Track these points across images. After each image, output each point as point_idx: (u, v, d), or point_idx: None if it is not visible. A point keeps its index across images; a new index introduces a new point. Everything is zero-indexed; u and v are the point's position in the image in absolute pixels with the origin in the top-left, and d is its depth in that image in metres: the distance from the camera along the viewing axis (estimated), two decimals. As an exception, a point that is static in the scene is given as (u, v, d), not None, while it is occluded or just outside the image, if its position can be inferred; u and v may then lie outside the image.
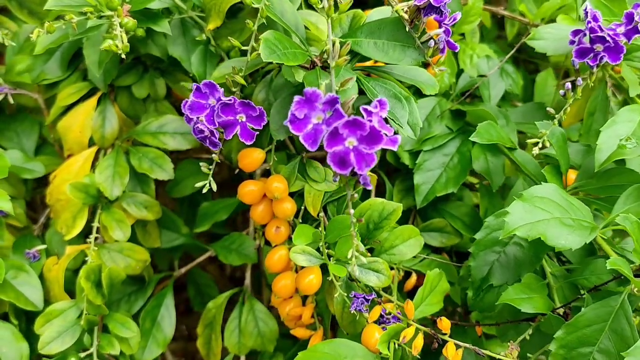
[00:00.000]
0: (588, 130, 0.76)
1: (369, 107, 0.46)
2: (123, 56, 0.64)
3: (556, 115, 0.65)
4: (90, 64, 0.77)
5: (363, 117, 0.46)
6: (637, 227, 0.56)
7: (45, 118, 0.92)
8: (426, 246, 0.79)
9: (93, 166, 0.84)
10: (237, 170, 0.78)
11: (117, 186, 0.79)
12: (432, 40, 0.58)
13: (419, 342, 0.61)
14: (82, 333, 0.78)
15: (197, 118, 0.60)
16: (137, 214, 0.82)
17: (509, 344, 0.61)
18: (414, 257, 0.76)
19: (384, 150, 0.84)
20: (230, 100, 0.59)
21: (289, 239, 0.73)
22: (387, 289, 0.72)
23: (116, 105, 0.86)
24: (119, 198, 0.82)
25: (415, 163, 0.77)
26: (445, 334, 0.61)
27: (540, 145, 0.64)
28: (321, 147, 0.47)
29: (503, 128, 0.73)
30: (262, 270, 0.97)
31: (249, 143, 0.61)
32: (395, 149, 0.47)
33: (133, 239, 0.84)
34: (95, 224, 0.79)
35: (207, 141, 0.61)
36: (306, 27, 0.67)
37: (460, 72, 0.86)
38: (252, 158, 0.70)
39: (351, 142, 0.46)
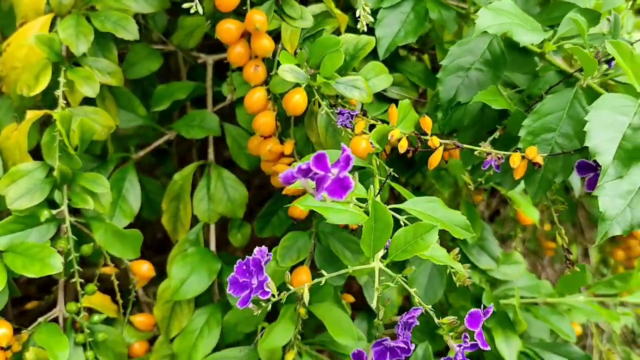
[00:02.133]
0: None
1: None
2: None
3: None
4: None
5: None
6: (580, 24, 0.65)
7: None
8: (388, 100, 0.85)
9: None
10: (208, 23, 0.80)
11: (83, 43, 0.78)
12: None
13: (404, 142, 0.66)
14: (52, 190, 0.76)
15: None
16: (101, 79, 0.81)
17: (481, 144, 0.68)
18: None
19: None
20: None
21: (266, 81, 0.76)
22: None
23: (70, -26, 0.84)
24: (81, 63, 0.81)
25: (376, 19, 0.83)
26: (427, 134, 0.67)
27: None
28: None
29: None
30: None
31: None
32: None
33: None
34: (62, 79, 0.77)
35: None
36: None
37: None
38: (228, -3, 0.72)
39: None
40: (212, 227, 0.89)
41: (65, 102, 0.78)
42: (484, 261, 0.96)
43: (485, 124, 0.74)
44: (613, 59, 0.67)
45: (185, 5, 0.66)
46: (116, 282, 0.82)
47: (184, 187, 0.88)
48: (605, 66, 0.68)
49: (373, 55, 0.82)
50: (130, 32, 0.81)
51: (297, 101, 0.68)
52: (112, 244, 0.77)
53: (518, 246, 1.01)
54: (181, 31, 0.99)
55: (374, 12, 0.84)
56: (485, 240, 0.97)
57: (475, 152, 0.67)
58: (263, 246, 0.56)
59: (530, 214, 0.96)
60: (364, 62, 0.82)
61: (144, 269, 0.84)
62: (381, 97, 0.84)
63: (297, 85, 0.71)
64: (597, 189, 0.56)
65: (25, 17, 0.83)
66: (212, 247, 0.88)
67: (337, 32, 0.77)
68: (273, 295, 0.56)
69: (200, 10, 0.67)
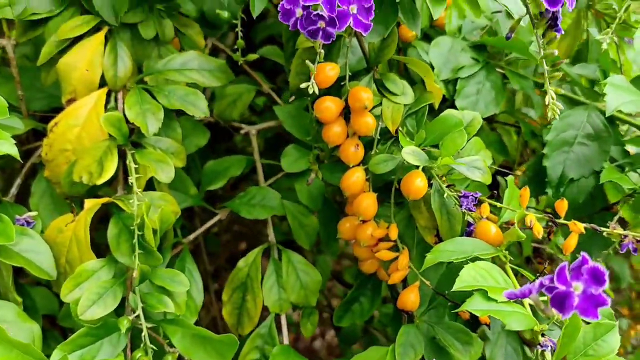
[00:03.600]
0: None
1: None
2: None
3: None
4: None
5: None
6: None
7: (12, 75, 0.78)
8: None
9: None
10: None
11: (153, 122, 0.69)
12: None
13: (538, 226, 0.62)
14: (124, 293, 0.65)
15: (310, 7, 0.56)
16: (164, 160, 0.72)
17: (608, 223, 0.64)
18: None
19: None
20: (350, -15, 0.56)
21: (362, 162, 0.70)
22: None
23: (124, 44, 0.76)
24: (143, 143, 0.72)
25: (456, 89, 0.79)
26: (559, 217, 0.63)
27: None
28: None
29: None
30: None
31: (365, 34, 0.59)
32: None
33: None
34: (132, 164, 0.68)
35: (321, 34, 0.57)
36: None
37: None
38: (325, 73, 0.66)
39: None
40: (284, 318, 0.80)
41: (122, 198, 0.68)
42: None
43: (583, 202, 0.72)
44: None
45: (303, 86, 0.60)
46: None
47: (252, 275, 0.79)
48: None
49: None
50: (199, 108, 0.74)
51: (418, 185, 0.63)
52: (195, 350, 0.66)
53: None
54: (222, 101, 0.93)
55: (449, 84, 0.82)
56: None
57: (604, 233, 0.64)
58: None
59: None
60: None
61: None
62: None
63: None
64: None
65: (73, 93, 0.73)
66: (286, 340, 0.79)
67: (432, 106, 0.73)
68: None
69: (317, 91, 0.60)
